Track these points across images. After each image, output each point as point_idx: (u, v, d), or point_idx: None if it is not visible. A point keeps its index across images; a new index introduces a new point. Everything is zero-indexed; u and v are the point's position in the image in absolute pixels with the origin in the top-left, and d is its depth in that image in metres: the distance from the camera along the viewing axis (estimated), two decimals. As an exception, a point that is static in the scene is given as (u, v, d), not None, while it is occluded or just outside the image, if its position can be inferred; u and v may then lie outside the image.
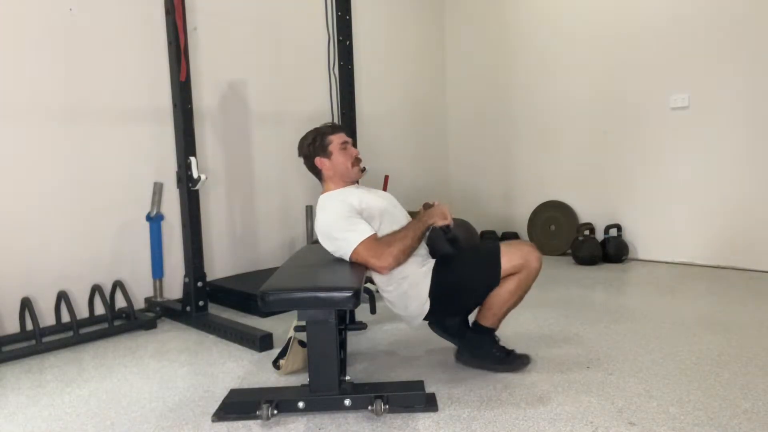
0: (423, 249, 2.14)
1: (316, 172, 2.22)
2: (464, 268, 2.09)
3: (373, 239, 1.98)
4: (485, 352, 2.14)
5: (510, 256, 2.03)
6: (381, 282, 2.11)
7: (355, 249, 1.97)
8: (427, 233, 2.08)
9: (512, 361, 2.14)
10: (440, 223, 2.03)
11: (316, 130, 2.22)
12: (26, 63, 2.82)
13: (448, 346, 2.48)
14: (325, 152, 2.16)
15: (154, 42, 3.22)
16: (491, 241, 2.18)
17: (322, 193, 2.20)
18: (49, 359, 2.53)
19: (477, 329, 2.15)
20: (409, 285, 2.06)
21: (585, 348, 2.37)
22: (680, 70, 3.87)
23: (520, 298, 2.09)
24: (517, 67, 4.80)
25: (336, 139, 2.17)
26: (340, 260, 2.08)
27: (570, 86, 4.46)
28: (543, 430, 1.70)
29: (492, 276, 2.03)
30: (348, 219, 2.01)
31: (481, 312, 2.12)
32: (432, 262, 2.10)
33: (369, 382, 2.03)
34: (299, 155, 2.24)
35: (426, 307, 2.07)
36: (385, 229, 2.06)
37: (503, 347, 2.18)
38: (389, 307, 2.22)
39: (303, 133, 2.26)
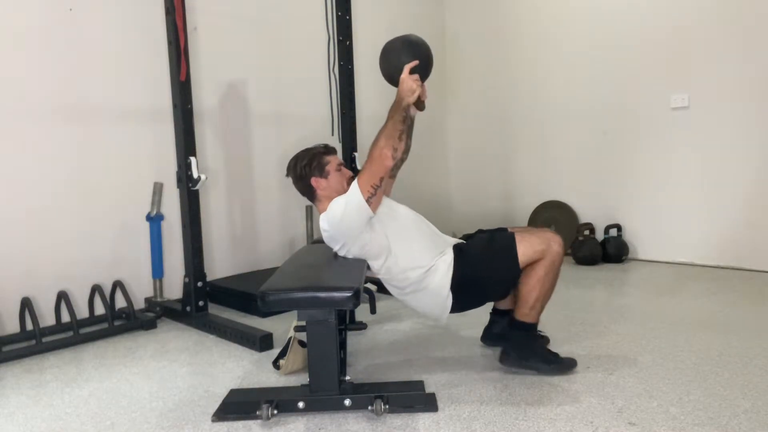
0: (435, 242, 2.13)
1: (310, 193, 2.20)
2: (483, 260, 2.08)
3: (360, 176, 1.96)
4: (532, 351, 2.11)
5: (532, 242, 2.03)
6: (398, 285, 2.10)
7: (356, 189, 1.93)
8: (409, 117, 2.04)
9: (560, 361, 2.11)
10: (412, 99, 1.97)
11: (309, 150, 2.21)
12: (26, 63, 2.82)
13: (448, 346, 2.48)
14: (322, 173, 2.16)
15: (154, 42, 3.22)
16: (506, 232, 2.16)
17: (320, 213, 2.15)
18: (49, 359, 2.53)
19: (518, 326, 2.12)
20: (427, 284, 2.06)
21: (585, 348, 2.37)
22: (680, 70, 3.87)
23: (551, 287, 2.07)
24: (517, 67, 4.80)
25: (333, 161, 2.19)
26: (340, 260, 2.09)
27: (570, 86, 4.46)
28: (543, 430, 1.70)
29: (511, 265, 2.03)
30: (339, 200, 2.01)
31: (518, 308, 2.10)
32: (448, 255, 2.09)
33: (369, 382, 2.03)
34: (289, 175, 2.21)
35: (449, 302, 2.07)
36: (387, 223, 2.07)
37: (549, 349, 2.16)
38: (411, 308, 2.22)
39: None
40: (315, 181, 2.16)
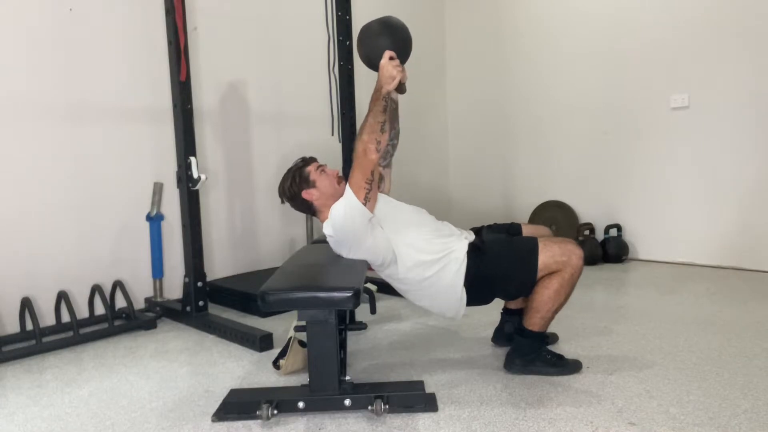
0: (440, 234, 2.11)
1: (308, 207, 2.17)
2: (502, 260, 2.06)
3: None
4: (536, 356, 2.10)
5: (553, 252, 2.00)
6: (408, 284, 2.09)
7: (350, 192, 1.94)
8: (392, 102, 1.97)
9: (565, 364, 2.11)
10: (392, 87, 1.92)
11: (289, 170, 2.20)
12: (26, 63, 2.82)
13: (449, 346, 2.48)
14: (308, 183, 2.13)
15: (154, 42, 3.22)
16: (531, 237, 2.16)
17: (323, 222, 2.14)
18: (49, 359, 2.53)
19: (526, 334, 2.10)
20: (438, 281, 2.04)
21: (585, 348, 2.37)
22: (680, 70, 3.87)
23: (566, 299, 2.05)
24: (517, 67, 4.80)
25: (312, 168, 2.16)
26: (340, 260, 2.08)
27: (570, 86, 4.46)
28: (543, 430, 1.70)
29: (529, 270, 2.01)
30: (338, 205, 2.00)
31: (528, 316, 2.08)
32: (459, 252, 2.05)
33: (369, 382, 2.02)
34: (284, 201, 2.21)
35: (464, 298, 2.05)
36: (389, 224, 2.06)
37: (553, 352, 2.15)
38: (425, 309, 2.20)
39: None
40: (307, 194, 2.13)
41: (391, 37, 1.99)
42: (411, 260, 2.04)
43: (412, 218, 2.15)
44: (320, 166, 2.18)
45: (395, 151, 2.31)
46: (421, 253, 2.03)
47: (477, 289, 2.06)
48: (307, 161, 2.20)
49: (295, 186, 2.15)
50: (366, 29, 2.06)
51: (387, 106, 1.93)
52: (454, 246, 2.06)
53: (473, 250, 2.06)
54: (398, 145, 2.41)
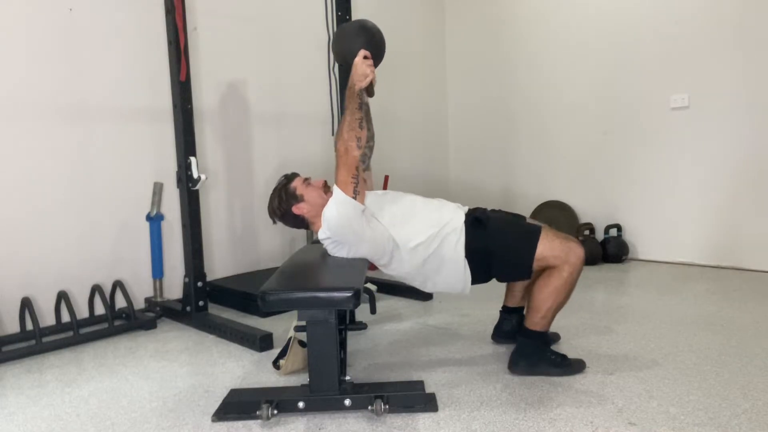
0: (433, 208, 2.13)
1: (300, 222, 2.19)
2: (501, 235, 2.07)
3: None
4: (540, 356, 2.10)
5: (553, 245, 2.01)
6: (414, 268, 2.09)
7: (339, 190, 1.96)
8: (365, 97, 2.00)
9: (569, 364, 2.10)
10: (365, 84, 1.97)
11: (275, 190, 2.21)
12: (26, 63, 2.82)
13: (448, 346, 2.48)
14: (296, 198, 2.15)
15: (154, 42, 3.22)
16: (536, 224, 2.15)
17: (316, 233, 2.16)
18: (49, 359, 2.53)
19: (528, 335, 2.11)
20: (440, 256, 2.04)
21: (585, 348, 2.37)
22: (680, 70, 3.87)
23: (566, 298, 2.06)
24: (517, 67, 4.80)
25: (297, 182, 2.18)
26: (340, 260, 2.09)
27: (570, 86, 4.46)
28: (543, 430, 1.70)
29: (526, 253, 2.01)
30: (329, 206, 2.02)
31: (529, 316, 2.09)
32: (456, 221, 2.06)
33: (369, 382, 2.03)
34: (276, 221, 2.23)
35: (468, 271, 2.05)
36: (380, 215, 2.07)
37: (557, 352, 2.15)
38: (438, 291, 2.22)
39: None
40: (297, 209, 2.15)
41: (367, 39, 2.05)
42: (411, 241, 2.04)
43: (402, 202, 2.16)
44: (305, 179, 2.20)
45: (372, 153, 2.32)
46: (420, 233, 2.04)
47: (476, 264, 2.06)
48: (290, 178, 2.22)
49: (283, 204, 2.17)
50: (343, 29, 2.13)
51: (362, 103, 1.97)
52: (448, 216, 2.09)
53: (474, 223, 2.08)
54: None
